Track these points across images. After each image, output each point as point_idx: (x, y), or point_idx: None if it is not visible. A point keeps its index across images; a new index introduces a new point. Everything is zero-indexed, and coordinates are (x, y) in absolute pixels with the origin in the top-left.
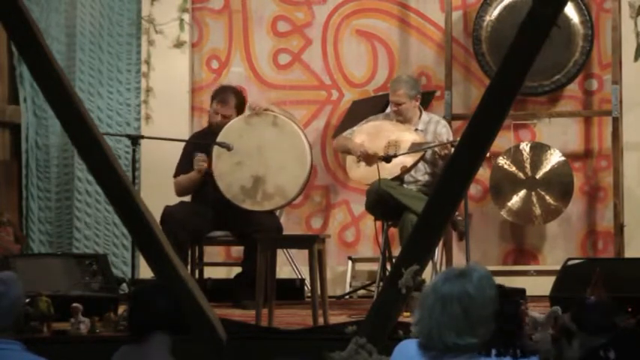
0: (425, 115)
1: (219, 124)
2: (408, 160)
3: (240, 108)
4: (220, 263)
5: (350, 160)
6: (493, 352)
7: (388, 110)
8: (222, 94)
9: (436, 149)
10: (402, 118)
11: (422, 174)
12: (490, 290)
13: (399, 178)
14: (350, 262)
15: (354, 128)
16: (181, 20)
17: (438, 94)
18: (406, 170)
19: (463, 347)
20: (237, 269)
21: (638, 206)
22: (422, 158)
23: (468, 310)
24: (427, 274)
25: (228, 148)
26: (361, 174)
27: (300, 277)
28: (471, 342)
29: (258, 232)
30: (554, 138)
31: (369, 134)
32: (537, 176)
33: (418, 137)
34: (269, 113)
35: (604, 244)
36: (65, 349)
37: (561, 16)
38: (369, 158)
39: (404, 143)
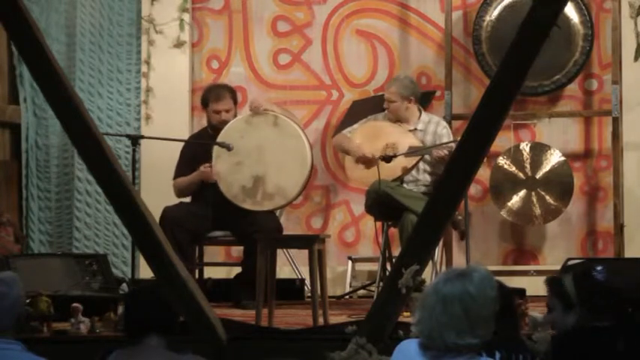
0: (425, 116)
1: (224, 122)
2: (408, 161)
3: (235, 100)
4: (220, 263)
5: (349, 160)
6: (497, 355)
7: None
8: (214, 92)
9: (432, 153)
10: (395, 117)
11: (422, 173)
12: (491, 291)
13: (399, 179)
14: (350, 262)
15: (355, 126)
16: (181, 20)
17: (438, 94)
18: (407, 171)
19: (463, 347)
20: (237, 269)
21: (638, 206)
22: (421, 159)
23: (468, 311)
24: (427, 274)
25: (228, 148)
26: (360, 175)
27: (300, 277)
28: (471, 342)
29: (258, 232)
30: (554, 138)
31: (367, 134)
32: (537, 176)
33: (415, 140)
34: (269, 113)
35: (604, 244)
36: (65, 349)
37: (561, 16)
38: (367, 162)
39: (402, 146)
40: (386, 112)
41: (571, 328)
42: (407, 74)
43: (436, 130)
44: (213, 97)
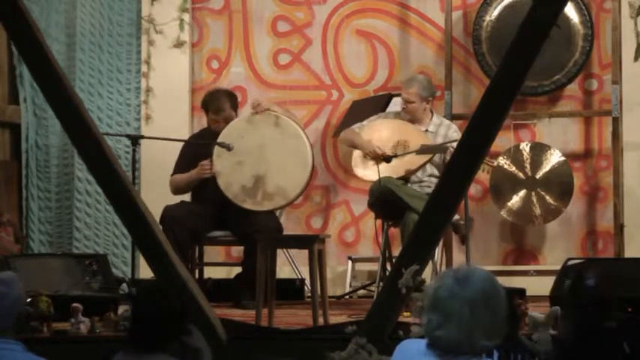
0: (436, 118)
1: (221, 130)
2: (415, 161)
3: (235, 107)
4: (220, 263)
5: (356, 155)
6: (495, 353)
7: (398, 109)
8: (214, 103)
9: (447, 156)
10: (411, 117)
11: (427, 175)
12: (501, 289)
13: (404, 178)
14: (350, 262)
15: (364, 122)
16: (181, 20)
17: (438, 94)
18: (411, 172)
19: (488, 349)
20: (237, 269)
21: (638, 206)
22: (429, 161)
23: (494, 311)
24: (427, 274)
25: (228, 148)
26: (365, 171)
27: (300, 277)
28: (497, 342)
29: (258, 232)
30: (554, 138)
31: (378, 131)
32: (537, 176)
33: (428, 139)
34: (271, 113)
35: (604, 244)
36: (65, 349)
37: (561, 16)
38: (377, 157)
39: (412, 144)
40: (400, 111)
41: (576, 330)
42: (411, 74)
43: (447, 133)
44: (213, 108)
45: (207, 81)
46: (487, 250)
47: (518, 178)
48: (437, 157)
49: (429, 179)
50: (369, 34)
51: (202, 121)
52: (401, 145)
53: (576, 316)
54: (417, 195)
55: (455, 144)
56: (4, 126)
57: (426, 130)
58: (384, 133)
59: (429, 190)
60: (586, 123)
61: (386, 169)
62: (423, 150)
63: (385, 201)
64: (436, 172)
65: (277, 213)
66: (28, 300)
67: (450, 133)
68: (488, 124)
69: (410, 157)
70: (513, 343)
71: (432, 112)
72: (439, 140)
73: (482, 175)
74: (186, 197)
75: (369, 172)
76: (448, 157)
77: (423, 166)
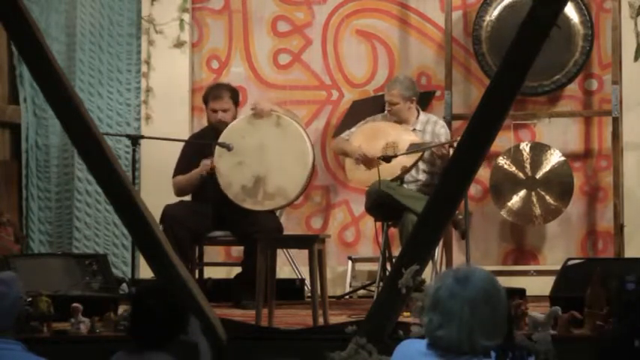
0: (422, 116)
1: (221, 122)
2: (407, 160)
3: (235, 100)
4: (220, 263)
5: (349, 162)
6: (493, 354)
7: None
8: (214, 91)
9: (434, 149)
10: (397, 119)
11: (422, 173)
12: (501, 288)
13: (399, 179)
14: (350, 262)
15: (352, 129)
16: (181, 20)
17: (438, 94)
18: (406, 170)
19: (488, 349)
20: (237, 269)
21: (638, 206)
22: (420, 158)
23: (494, 311)
24: (427, 274)
25: (229, 148)
26: (361, 176)
27: (300, 277)
28: (497, 342)
29: (258, 232)
30: (554, 138)
31: (366, 136)
32: (537, 176)
33: (416, 138)
34: (272, 113)
35: (604, 244)
36: (65, 349)
37: (561, 16)
38: (367, 162)
39: (402, 144)
40: (386, 113)
41: (616, 335)
42: (406, 74)
43: (434, 129)
44: (212, 95)
45: (207, 81)
46: (487, 249)
47: (518, 178)
48: (427, 154)
49: (423, 177)
50: (369, 34)
51: (202, 121)
52: (390, 147)
53: (623, 321)
54: (413, 195)
55: (443, 138)
56: (4, 126)
57: (414, 129)
58: (372, 137)
59: (425, 189)
60: (586, 123)
61: (383, 170)
62: (413, 149)
63: (382, 204)
64: (427, 168)
65: (277, 213)
66: (28, 300)
67: (437, 129)
68: (488, 124)
69: (402, 156)
70: (512, 343)
71: (418, 111)
72: (427, 137)
73: (483, 175)
74: (187, 197)
75: (362, 178)
76: (438, 153)
77: (416, 163)
